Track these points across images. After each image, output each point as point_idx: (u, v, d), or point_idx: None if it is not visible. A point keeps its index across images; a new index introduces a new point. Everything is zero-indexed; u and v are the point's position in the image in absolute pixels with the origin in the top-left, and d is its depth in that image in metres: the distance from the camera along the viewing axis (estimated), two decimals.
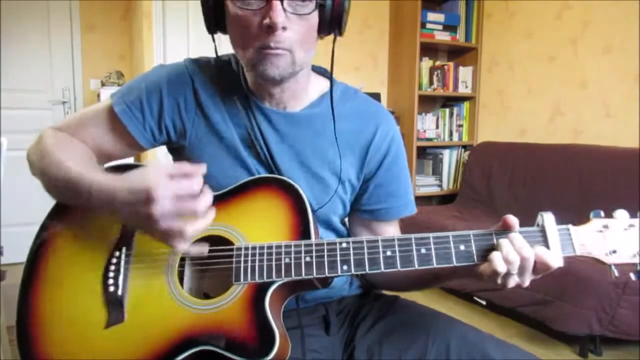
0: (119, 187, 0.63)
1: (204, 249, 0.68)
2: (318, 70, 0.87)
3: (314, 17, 0.71)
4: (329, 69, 0.84)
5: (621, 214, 0.66)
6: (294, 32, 0.69)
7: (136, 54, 3.24)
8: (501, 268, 0.63)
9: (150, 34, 2.94)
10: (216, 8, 0.72)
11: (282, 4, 0.66)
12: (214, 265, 0.71)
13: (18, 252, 1.23)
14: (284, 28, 0.67)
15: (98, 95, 2.99)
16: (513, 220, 0.66)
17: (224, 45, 0.77)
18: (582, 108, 2.77)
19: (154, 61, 2.95)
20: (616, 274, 0.65)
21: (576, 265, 1.89)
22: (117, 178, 0.64)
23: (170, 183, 0.60)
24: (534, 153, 2.81)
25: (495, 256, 0.64)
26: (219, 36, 0.77)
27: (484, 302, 2.36)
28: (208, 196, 0.63)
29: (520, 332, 2.17)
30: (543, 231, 0.66)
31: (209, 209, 0.63)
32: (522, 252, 0.63)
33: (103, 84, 3.03)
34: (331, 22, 0.73)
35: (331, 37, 0.78)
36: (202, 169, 0.63)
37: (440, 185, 3.50)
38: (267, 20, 0.66)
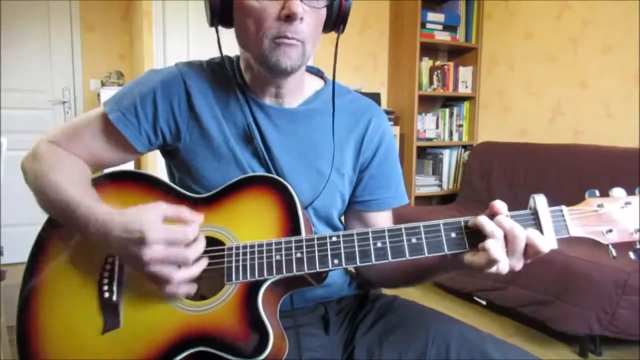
0: (116, 222, 0.64)
1: (192, 289, 0.67)
2: (311, 69, 0.89)
3: (324, 12, 0.74)
4: (330, 67, 0.85)
5: (618, 192, 0.64)
6: (307, 24, 0.71)
7: (136, 54, 3.24)
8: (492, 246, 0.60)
9: (150, 34, 2.94)
10: (223, 0, 0.73)
11: None
12: (206, 266, 0.71)
13: (18, 252, 1.23)
14: (301, 19, 0.69)
15: (98, 95, 2.99)
16: (500, 205, 0.64)
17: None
18: (582, 108, 2.77)
19: (153, 61, 2.95)
20: (614, 254, 0.62)
21: (576, 265, 1.89)
22: (114, 213, 0.66)
23: (164, 228, 0.62)
24: (534, 153, 2.80)
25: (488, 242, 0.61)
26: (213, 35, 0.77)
27: (484, 302, 2.36)
28: (200, 245, 0.66)
29: (520, 332, 2.17)
30: (535, 214, 0.63)
31: (201, 257, 0.66)
32: (513, 231, 0.60)
33: (103, 84, 3.02)
34: (337, 19, 0.77)
35: (329, 37, 0.81)
36: (200, 217, 0.67)
37: (440, 185, 3.50)
38: (286, 10, 0.68)
